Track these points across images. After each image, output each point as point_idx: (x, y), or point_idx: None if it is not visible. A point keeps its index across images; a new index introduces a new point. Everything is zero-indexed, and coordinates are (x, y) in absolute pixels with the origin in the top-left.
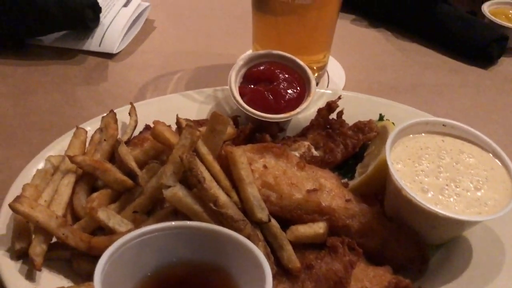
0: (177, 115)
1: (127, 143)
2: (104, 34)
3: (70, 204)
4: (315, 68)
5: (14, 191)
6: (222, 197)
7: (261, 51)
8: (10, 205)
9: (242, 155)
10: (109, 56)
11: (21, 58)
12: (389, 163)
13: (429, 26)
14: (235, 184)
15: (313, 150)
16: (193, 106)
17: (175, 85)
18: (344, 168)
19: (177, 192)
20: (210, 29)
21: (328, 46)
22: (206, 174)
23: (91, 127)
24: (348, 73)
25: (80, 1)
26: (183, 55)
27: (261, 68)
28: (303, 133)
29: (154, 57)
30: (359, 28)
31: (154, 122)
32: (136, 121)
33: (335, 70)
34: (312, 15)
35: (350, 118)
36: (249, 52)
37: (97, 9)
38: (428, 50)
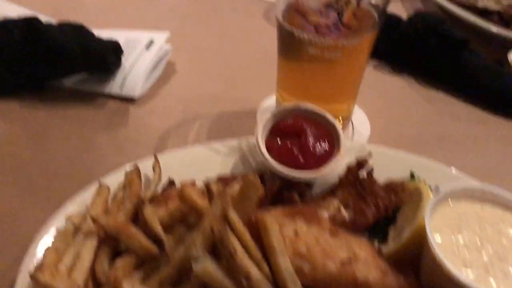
0: (206, 183)
1: (151, 199)
2: (126, 77)
3: (92, 269)
4: (340, 118)
5: (33, 252)
6: (254, 272)
7: (288, 105)
8: (31, 276)
9: (273, 222)
10: (130, 100)
11: (40, 101)
12: (428, 233)
13: (454, 75)
14: (265, 252)
15: (342, 210)
16: (217, 159)
17: (197, 132)
18: (374, 228)
19: (208, 267)
20: (233, 73)
21: (354, 96)
22: (237, 245)
23: (112, 180)
24: (372, 122)
25: (104, 45)
26: (205, 99)
27: (289, 121)
28: (331, 190)
29: (175, 102)
30: (382, 75)
31: (181, 184)
32: (160, 176)
33: (360, 119)
34: (340, 66)
35: (379, 174)
36: (273, 98)
37: (119, 53)
38: (453, 99)
